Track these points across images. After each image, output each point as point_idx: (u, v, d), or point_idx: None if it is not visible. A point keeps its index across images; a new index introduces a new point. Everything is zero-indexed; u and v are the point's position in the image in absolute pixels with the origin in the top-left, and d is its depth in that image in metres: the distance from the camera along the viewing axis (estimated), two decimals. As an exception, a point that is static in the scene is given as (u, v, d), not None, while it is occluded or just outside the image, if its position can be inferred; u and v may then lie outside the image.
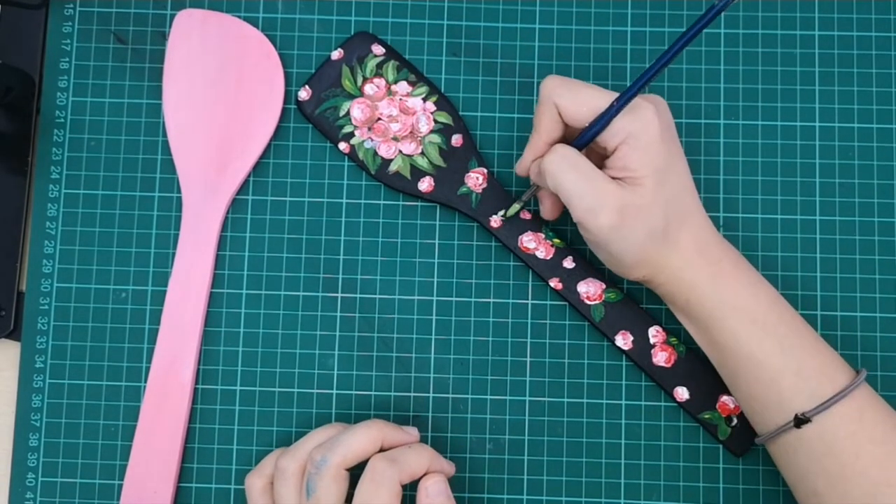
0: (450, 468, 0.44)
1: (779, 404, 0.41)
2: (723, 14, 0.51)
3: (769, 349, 0.41)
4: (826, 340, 0.43)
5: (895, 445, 0.40)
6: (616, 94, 0.41)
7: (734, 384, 0.44)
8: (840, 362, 0.42)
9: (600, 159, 0.43)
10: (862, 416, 0.41)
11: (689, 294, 0.43)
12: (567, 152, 0.42)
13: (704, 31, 0.50)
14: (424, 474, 0.42)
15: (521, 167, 0.45)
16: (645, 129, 0.41)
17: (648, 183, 0.41)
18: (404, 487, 0.41)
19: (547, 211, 0.46)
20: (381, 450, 0.43)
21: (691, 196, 0.43)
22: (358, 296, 0.49)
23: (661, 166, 0.41)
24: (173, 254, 0.49)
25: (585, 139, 0.42)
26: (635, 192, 0.41)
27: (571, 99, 0.42)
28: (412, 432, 0.44)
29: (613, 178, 0.41)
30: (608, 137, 0.41)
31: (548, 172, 0.42)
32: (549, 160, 0.42)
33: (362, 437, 0.42)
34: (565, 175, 0.41)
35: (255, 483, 0.44)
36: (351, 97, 0.50)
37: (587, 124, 0.42)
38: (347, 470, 0.42)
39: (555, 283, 0.48)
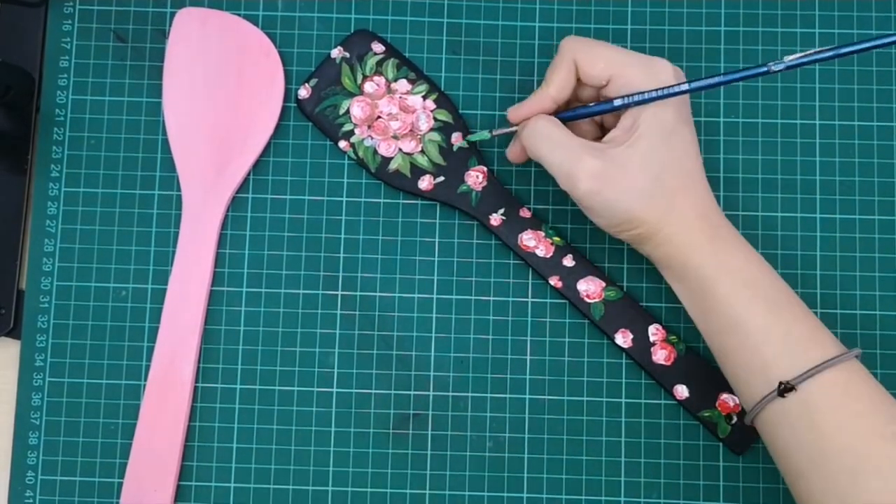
0: None
1: (763, 371, 0.40)
2: (722, 12, 0.51)
3: (758, 311, 0.41)
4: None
5: (879, 419, 0.39)
6: (632, 52, 0.43)
7: (722, 354, 0.43)
8: (830, 335, 0.41)
9: (598, 128, 0.45)
10: (847, 388, 0.39)
11: (686, 257, 0.42)
12: (543, 123, 0.43)
13: (704, 29, 0.51)
14: None
15: (515, 114, 0.45)
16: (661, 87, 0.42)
17: (642, 144, 0.41)
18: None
19: (514, 154, 0.47)
20: None
21: (694, 163, 0.43)
22: (358, 294, 0.49)
23: (667, 127, 0.42)
24: (173, 252, 0.49)
25: (578, 115, 0.44)
26: (620, 155, 0.42)
27: (589, 53, 0.43)
28: None
29: (613, 137, 0.42)
30: (624, 90, 0.42)
31: (526, 143, 0.44)
32: (526, 133, 0.44)
33: None
34: (542, 145, 0.43)
35: None
36: (351, 95, 0.50)
37: (602, 82, 0.43)
38: None
39: (555, 281, 0.48)
